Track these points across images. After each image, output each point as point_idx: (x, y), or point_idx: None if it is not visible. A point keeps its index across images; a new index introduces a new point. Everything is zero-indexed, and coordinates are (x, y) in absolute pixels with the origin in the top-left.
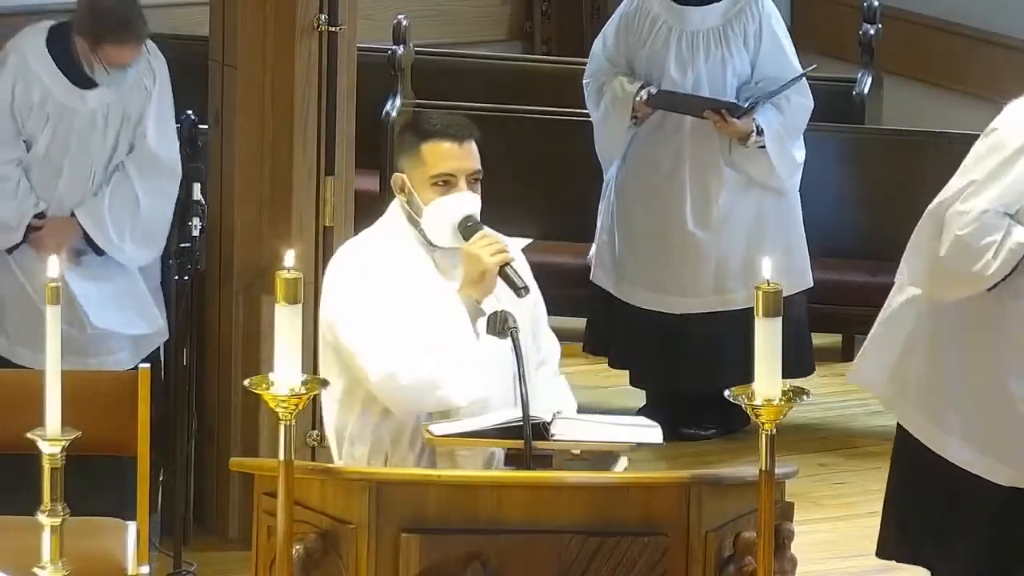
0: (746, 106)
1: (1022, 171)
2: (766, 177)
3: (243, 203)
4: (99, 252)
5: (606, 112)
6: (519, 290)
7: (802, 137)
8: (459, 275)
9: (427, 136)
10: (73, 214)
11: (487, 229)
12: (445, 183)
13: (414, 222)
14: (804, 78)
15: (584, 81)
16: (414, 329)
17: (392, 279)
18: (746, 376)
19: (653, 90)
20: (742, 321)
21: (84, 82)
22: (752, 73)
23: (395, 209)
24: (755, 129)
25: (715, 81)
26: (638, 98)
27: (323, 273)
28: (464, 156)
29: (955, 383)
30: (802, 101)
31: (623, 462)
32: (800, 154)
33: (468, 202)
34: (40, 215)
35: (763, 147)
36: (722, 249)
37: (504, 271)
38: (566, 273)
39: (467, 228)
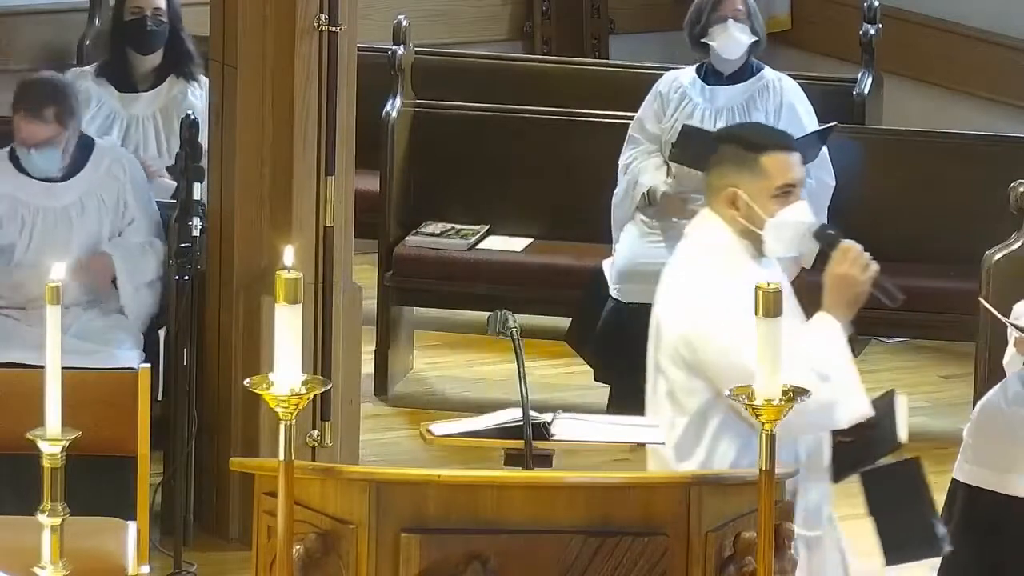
0: None
1: None
2: None
3: (243, 203)
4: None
5: (623, 194)
6: (896, 300)
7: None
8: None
9: (763, 148)
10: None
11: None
12: (787, 194)
13: (747, 235)
14: (827, 155)
15: (619, 164)
16: (805, 349)
17: (736, 294)
18: None
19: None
20: None
21: (49, 179)
22: None
23: (716, 225)
24: None
25: None
26: (666, 186)
27: (323, 273)
28: (798, 165)
29: None
30: (825, 179)
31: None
32: None
33: (808, 211)
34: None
35: None
36: None
37: (879, 283)
38: (565, 273)
39: (829, 236)
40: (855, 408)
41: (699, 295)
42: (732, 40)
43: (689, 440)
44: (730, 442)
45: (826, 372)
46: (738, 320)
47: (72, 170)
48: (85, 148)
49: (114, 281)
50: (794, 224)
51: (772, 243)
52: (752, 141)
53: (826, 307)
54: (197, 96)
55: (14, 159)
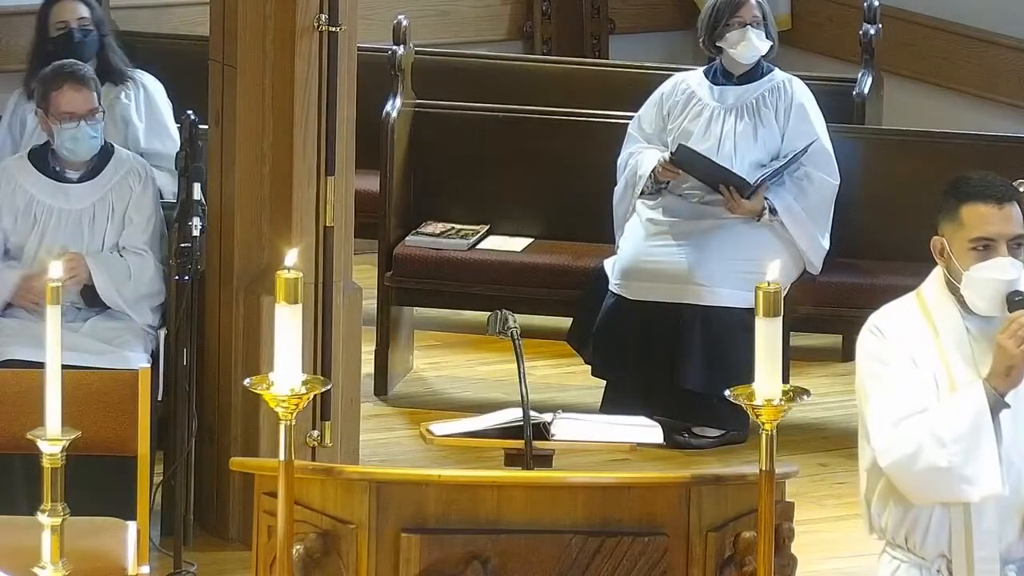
0: (754, 185)
1: None
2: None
3: (243, 203)
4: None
5: (622, 190)
6: None
7: (829, 223)
8: (990, 352)
9: (966, 198)
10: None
11: None
12: (984, 248)
13: (952, 288)
14: (832, 154)
15: (619, 162)
16: (934, 411)
17: (922, 348)
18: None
19: (673, 149)
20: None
21: (66, 181)
22: (782, 144)
23: (935, 274)
24: (767, 208)
25: (744, 144)
26: (662, 157)
27: (323, 273)
28: (1004, 220)
29: None
30: (825, 178)
31: None
32: (826, 240)
33: (1009, 268)
34: None
35: (782, 224)
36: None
37: None
38: (565, 273)
39: (1015, 303)
40: (985, 487)
41: (878, 355)
42: (751, 47)
43: (868, 490)
44: (895, 506)
45: (946, 438)
46: (900, 375)
47: (90, 173)
48: (105, 152)
49: (84, 292)
50: (989, 281)
51: (968, 298)
52: (960, 189)
53: (987, 375)
54: (130, 97)
55: (33, 159)
